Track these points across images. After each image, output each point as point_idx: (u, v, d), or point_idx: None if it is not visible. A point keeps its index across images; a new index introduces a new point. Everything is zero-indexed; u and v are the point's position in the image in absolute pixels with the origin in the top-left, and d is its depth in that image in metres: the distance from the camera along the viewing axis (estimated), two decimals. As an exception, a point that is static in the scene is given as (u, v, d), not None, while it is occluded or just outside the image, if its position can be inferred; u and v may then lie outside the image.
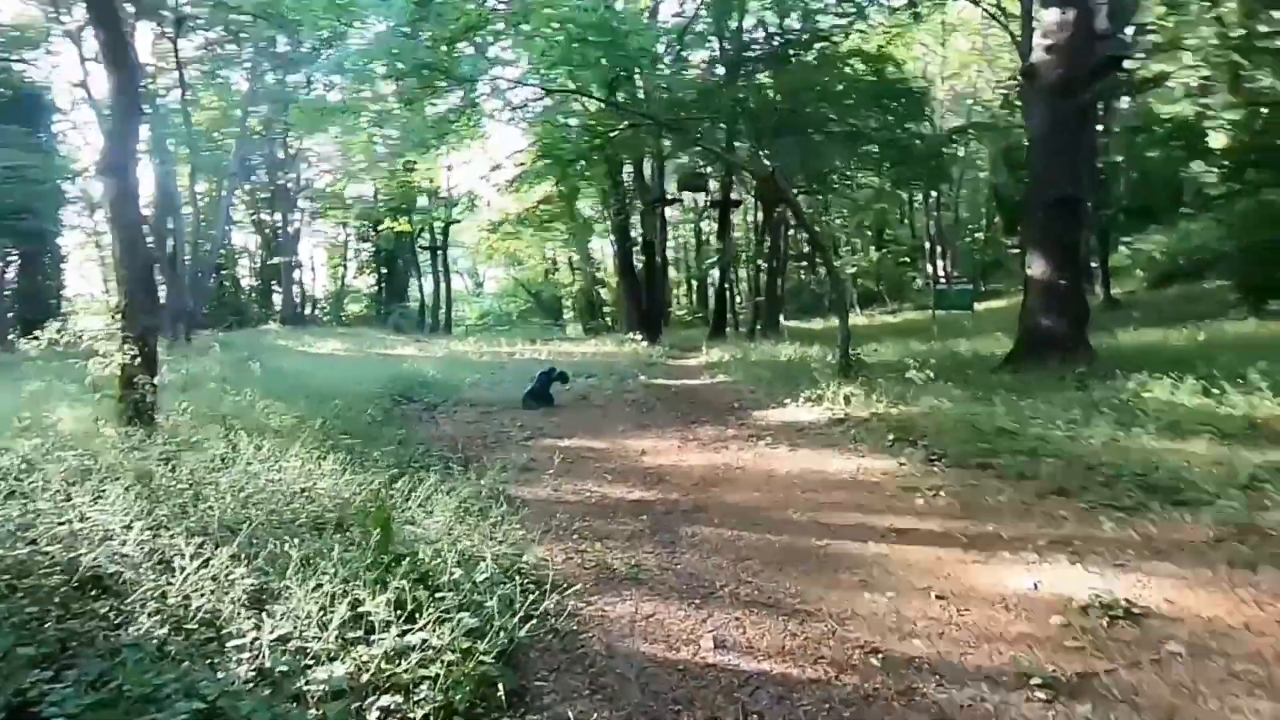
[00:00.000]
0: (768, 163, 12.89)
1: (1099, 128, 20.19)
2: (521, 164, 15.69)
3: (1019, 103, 18.01)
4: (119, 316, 7.65)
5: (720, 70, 18.45)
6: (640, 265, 25.02)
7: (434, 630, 3.13)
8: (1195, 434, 6.46)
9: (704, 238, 36.57)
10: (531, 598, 3.67)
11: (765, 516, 5.65)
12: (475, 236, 38.33)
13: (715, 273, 27.36)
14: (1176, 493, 5.14)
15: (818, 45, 19.11)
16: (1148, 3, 19.06)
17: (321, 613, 3.19)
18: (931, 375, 9.44)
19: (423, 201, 34.46)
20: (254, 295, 38.74)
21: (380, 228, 34.97)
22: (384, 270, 41.19)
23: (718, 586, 4.38)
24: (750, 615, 3.98)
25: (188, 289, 22.93)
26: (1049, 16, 10.57)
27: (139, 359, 7.29)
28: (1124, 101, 22.19)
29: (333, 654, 3.03)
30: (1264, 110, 16.88)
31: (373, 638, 3.10)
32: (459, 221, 36.09)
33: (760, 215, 25.51)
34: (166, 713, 2.55)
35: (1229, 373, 7.79)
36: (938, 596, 4.05)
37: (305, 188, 37.50)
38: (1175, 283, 22.12)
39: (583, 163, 14.35)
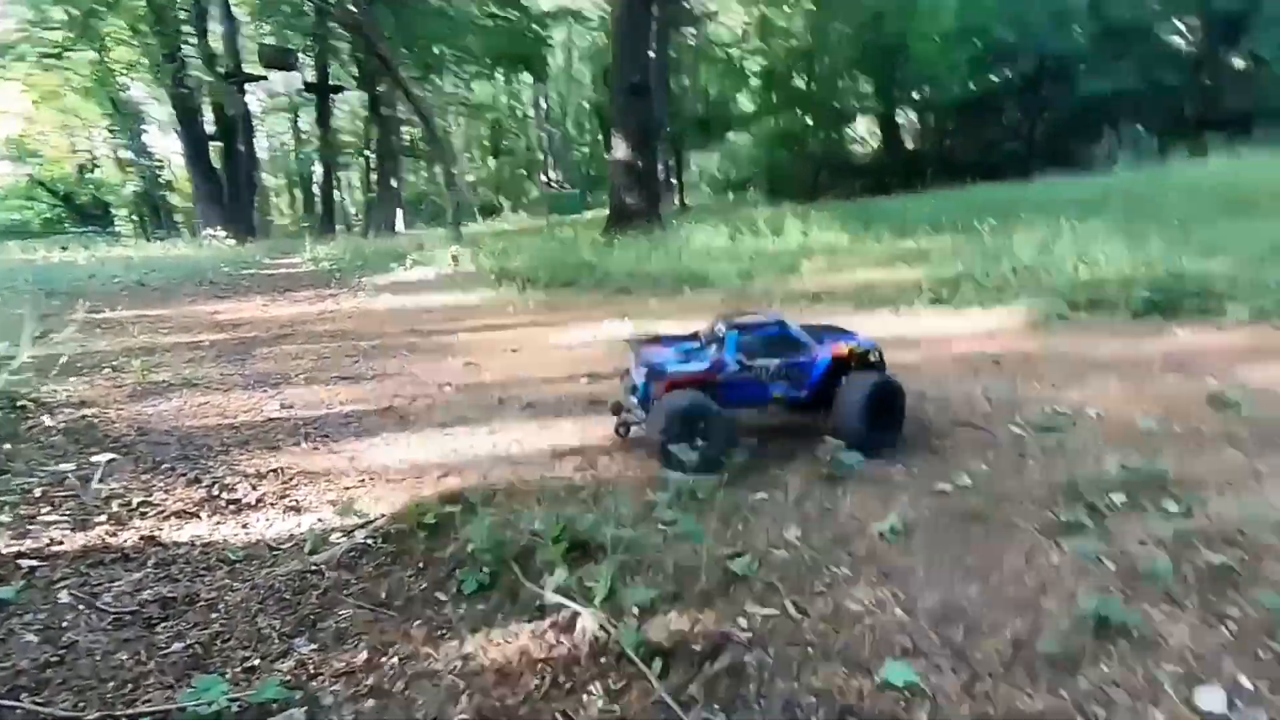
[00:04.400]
0: (355, 9, 11.63)
1: (670, 54, 23.29)
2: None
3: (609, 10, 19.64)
4: None
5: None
6: (220, 152, 20.90)
7: None
8: (720, 260, 8.17)
9: (303, 134, 32.28)
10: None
11: (356, 334, 5.41)
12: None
13: (319, 170, 24.45)
14: (703, 282, 6.45)
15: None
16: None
17: None
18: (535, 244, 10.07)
19: None
20: None
21: None
22: None
23: (291, 377, 4.07)
24: (325, 388, 3.80)
25: None
26: (618, -89, 11.59)
27: None
28: (689, 33, 25.99)
29: None
30: (781, 45, 21.47)
31: None
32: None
33: (367, 107, 23.45)
34: None
35: (749, 227, 9.99)
36: (513, 351, 4.43)
37: None
38: (728, 192, 27.47)
39: None
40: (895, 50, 17.67)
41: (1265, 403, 2.64)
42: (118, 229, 29.99)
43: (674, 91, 23.75)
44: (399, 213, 23.74)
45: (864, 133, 24.89)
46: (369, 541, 1.94)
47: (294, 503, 2.34)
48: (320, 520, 2.16)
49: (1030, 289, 4.76)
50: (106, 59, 18.92)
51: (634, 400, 2.60)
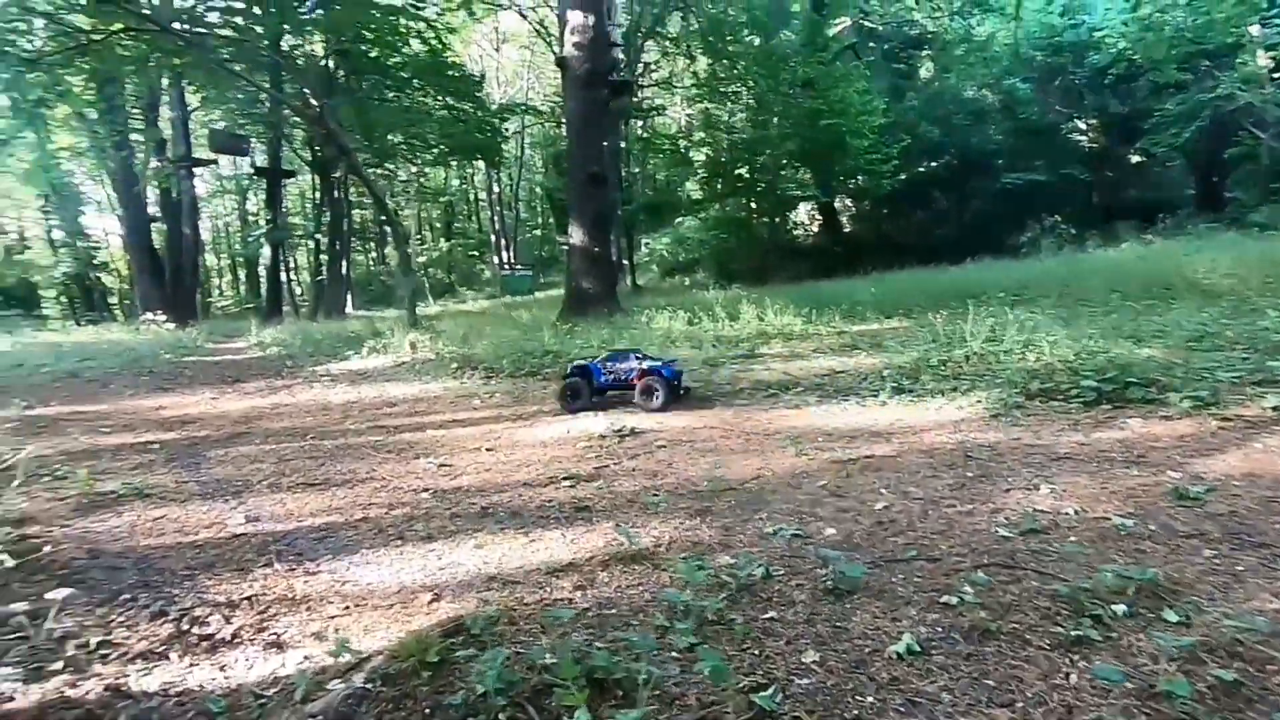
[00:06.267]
0: (315, 102, 11.82)
1: (621, 144, 24.38)
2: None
3: (560, 102, 20.52)
4: None
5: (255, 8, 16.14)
6: (163, 235, 20.44)
7: None
8: (681, 343, 8.33)
9: (250, 217, 32.01)
10: None
11: (317, 431, 5.23)
12: None
13: (266, 252, 24.10)
14: (668, 370, 6.51)
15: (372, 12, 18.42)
16: (650, 46, 23.82)
17: None
18: (497, 329, 10.08)
19: None
20: None
21: None
22: None
23: (253, 484, 3.88)
24: (292, 496, 3.63)
25: None
26: (574, 19, 12.31)
27: None
28: (638, 125, 27.32)
29: None
30: (723, 137, 22.71)
31: None
32: None
33: (318, 189, 23.52)
34: None
35: (705, 312, 10.26)
36: (486, 449, 4.34)
37: None
38: (677, 274, 28.27)
39: (55, 72, 10.59)
40: (832, 144, 18.92)
41: (1223, 495, 2.80)
42: (44, 311, 28.62)
43: (624, 178, 24.70)
44: (348, 295, 23.48)
45: (805, 218, 26.25)
46: (368, 686, 1.82)
47: (274, 636, 2.18)
48: (307, 659, 2.02)
49: (985, 377, 5.00)
50: (50, 144, 18.54)
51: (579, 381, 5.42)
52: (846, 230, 24.95)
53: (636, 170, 27.12)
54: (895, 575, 2.32)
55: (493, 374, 7.30)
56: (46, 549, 2.94)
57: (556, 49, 23.29)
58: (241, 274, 35.76)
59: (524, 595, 2.33)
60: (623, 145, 24.08)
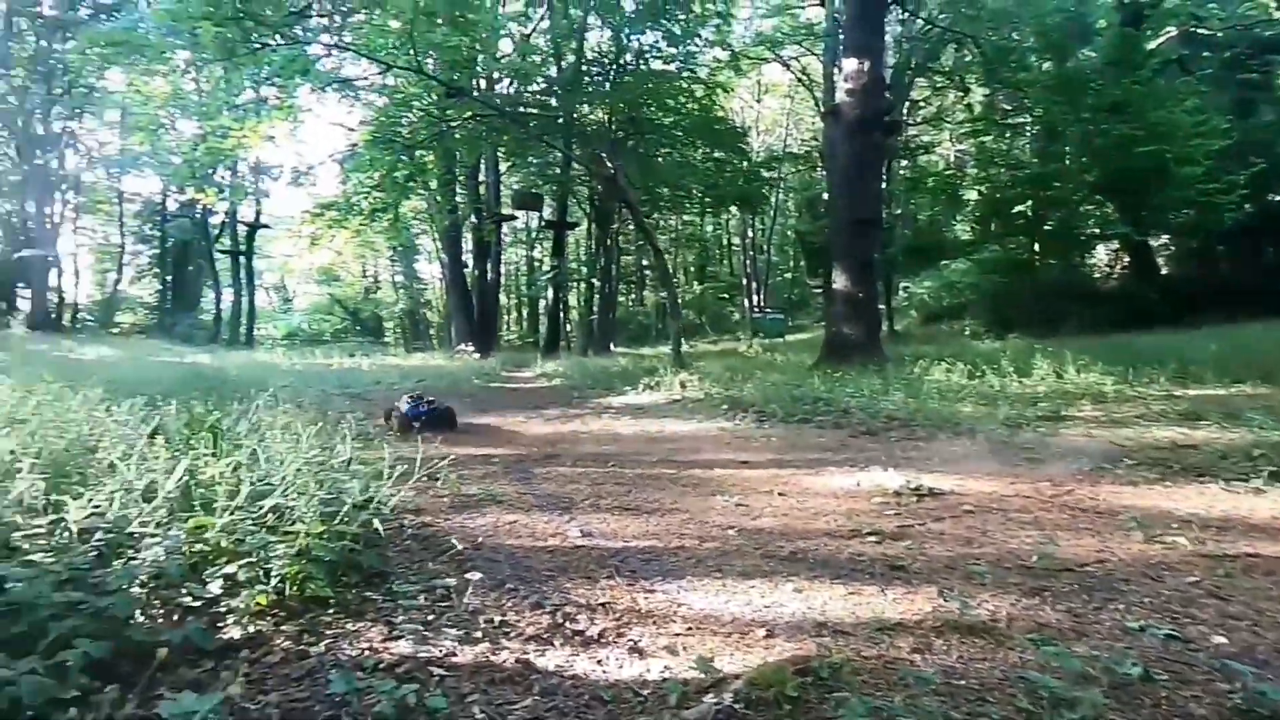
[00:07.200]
0: (610, 164, 13.47)
1: (884, 184, 23.62)
2: (353, 145, 14.75)
3: (820, 149, 20.60)
4: None
5: (556, 91, 19.10)
6: (473, 278, 24.54)
7: (290, 499, 2.88)
8: (964, 399, 7.73)
9: (535, 262, 36.80)
10: (385, 512, 3.48)
11: (616, 459, 5.81)
12: (286, 247, 35.20)
13: (549, 293, 27.56)
14: (956, 427, 6.12)
15: (651, 82, 20.38)
16: (921, 81, 22.91)
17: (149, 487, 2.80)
18: (756, 371, 10.32)
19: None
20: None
21: (169, 223, 30.77)
22: (170, 278, 36.13)
23: (578, 501, 4.45)
24: (612, 516, 4.09)
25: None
26: (848, 66, 12.37)
27: None
28: (901, 164, 26.23)
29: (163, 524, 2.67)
30: (1001, 172, 20.78)
31: (217, 505, 2.77)
32: (268, 227, 32.95)
33: (594, 240, 26.30)
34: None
35: (987, 364, 9.41)
36: (779, 494, 4.45)
37: (70, 178, 32.25)
38: (941, 320, 26.23)
39: (418, 153, 13.82)
40: (1149, 174, 16.24)
41: None
42: (386, 340, 35.99)
43: (885, 220, 23.79)
44: (612, 338, 25.78)
45: (1106, 259, 22.77)
46: (734, 706, 2.00)
47: (633, 643, 2.49)
48: (668, 669, 2.27)
49: None
50: (403, 208, 23.44)
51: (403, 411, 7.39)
52: (1164, 273, 21.08)
53: (898, 211, 25.98)
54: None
55: (764, 417, 7.47)
56: (438, 535, 3.69)
57: (820, 95, 23.50)
58: (524, 311, 41.18)
59: (859, 648, 2.36)
60: (883, 186, 23.29)
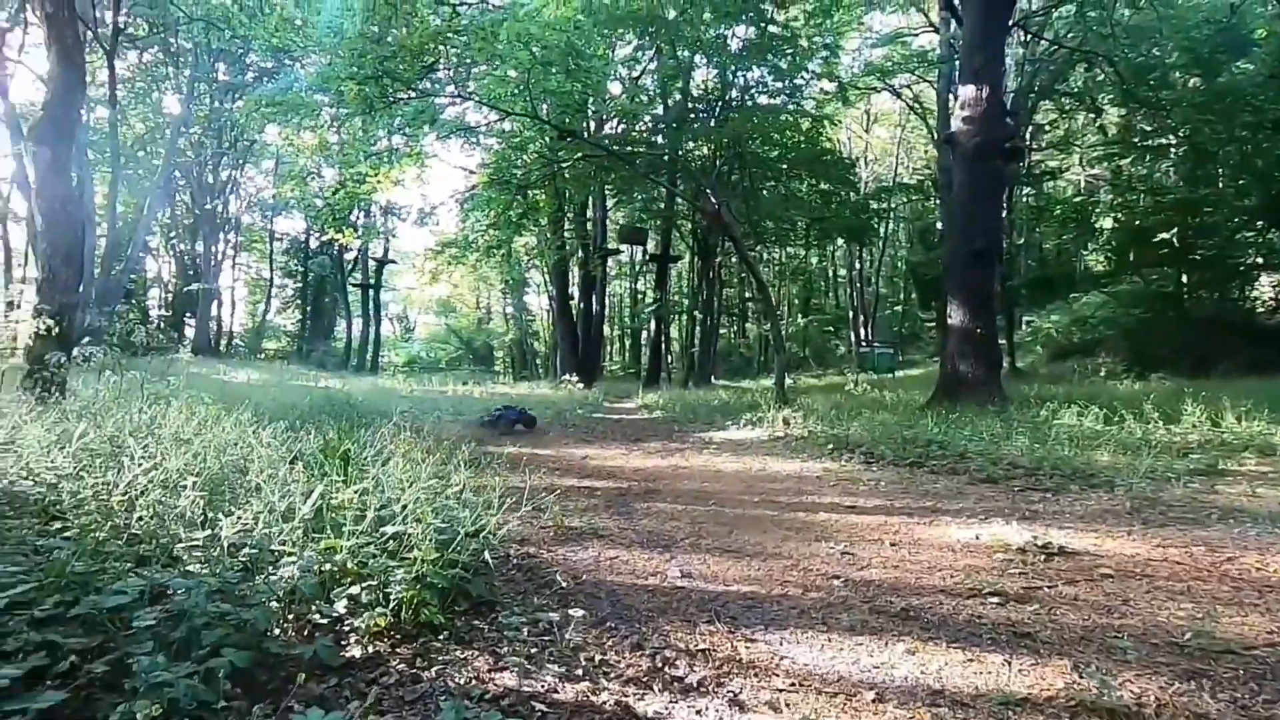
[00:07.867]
0: (715, 201, 13.58)
1: (1004, 213, 22.36)
2: (473, 186, 15.82)
3: (933, 178, 19.79)
4: (36, 290, 7.27)
5: (662, 129, 19.57)
6: (579, 310, 25.32)
7: (407, 526, 3.06)
8: (1099, 446, 7.07)
9: (639, 294, 37.45)
10: (493, 542, 3.62)
11: (717, 497, 5.75)
12: (409, 280, 37.84)
13: (651, 325, 27.93)
14: (1091, 479, 5.60)
15: (756, 118, 20.46)
16: (1046, 104, 21.64)
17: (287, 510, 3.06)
18: (863, 409, 9.94)
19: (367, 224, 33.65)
20: (162, 325, 36.52)
21: (311, 259, 33.91)
22: (309, 308, 39.81)
23: (678, 540, 4.43)
24: (713, 558, 4.04)
25: (93, 307, 21.42)
26: (966, 92, 11.88)
27: (54, 333, 6.88)
28: (1024, 192, 24.74)
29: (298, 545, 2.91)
30: (1142, 197, 19.11)
31: (345, 528, 2.99)
32: (394, 262, 35.59)
33: (696, 273, 26.46)
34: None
35: (1127, 408, 8.58)
36: (890, 544, 4.24)
37: (232, 220, 36.38)
38: (1070, 358, 24.21)
39: (530, 193, 14.64)
40: (1321, 198, 14.45)
41: None
42: (496, 369, 37.78)
43: (1006, 250, 22.45)
44: (712, 370, 25.66)
45: (1271, 292, 20.30)
46: (841, 775, 1.90)
47: (732, 695, 2.43)
48: (772, 727, 2.20)
49: None
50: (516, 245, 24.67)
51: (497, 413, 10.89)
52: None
53: (1020, 241, 24.45)
54: None
55: (872, 459, 7.16)
56: (541, 567, 3.78)
57: (934, 123, 22.68)
58: (627, 343, 41.89)
59: (982, 722, 2.19)
60: (1005, 215, 22.03)
